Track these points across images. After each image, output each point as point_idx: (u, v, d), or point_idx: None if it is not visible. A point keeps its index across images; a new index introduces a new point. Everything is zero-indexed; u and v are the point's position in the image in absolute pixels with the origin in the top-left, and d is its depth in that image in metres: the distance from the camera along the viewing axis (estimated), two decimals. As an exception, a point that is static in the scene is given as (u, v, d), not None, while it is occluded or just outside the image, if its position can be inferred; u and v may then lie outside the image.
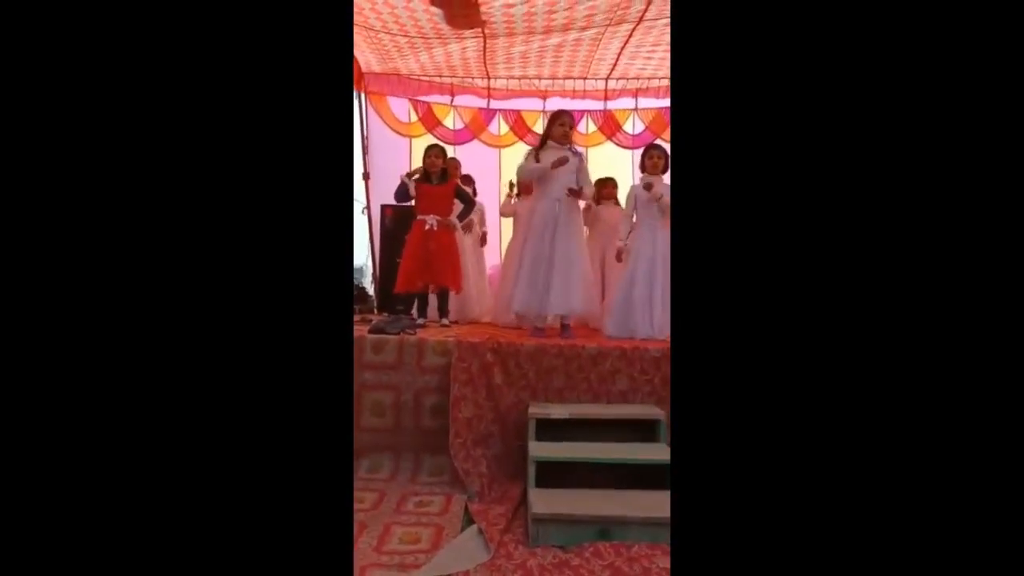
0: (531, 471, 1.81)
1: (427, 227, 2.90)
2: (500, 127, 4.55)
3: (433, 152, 2.98)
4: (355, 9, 3.10)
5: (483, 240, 3.82)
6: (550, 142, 2.71)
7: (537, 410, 2.03)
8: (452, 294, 3.11)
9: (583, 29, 3.43)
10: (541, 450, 1.88)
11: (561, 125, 2.70)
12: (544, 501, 1.68)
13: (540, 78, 4.34)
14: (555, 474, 1.81)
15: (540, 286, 2.61)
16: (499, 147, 4.53)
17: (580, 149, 2.98)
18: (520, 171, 2.77)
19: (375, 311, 3.97)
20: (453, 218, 3.04)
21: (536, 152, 2.72)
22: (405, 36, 3.51)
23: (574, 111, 4.37)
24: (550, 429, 1.98)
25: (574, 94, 4.42)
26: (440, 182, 2.97)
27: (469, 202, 3.08)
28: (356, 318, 3.23)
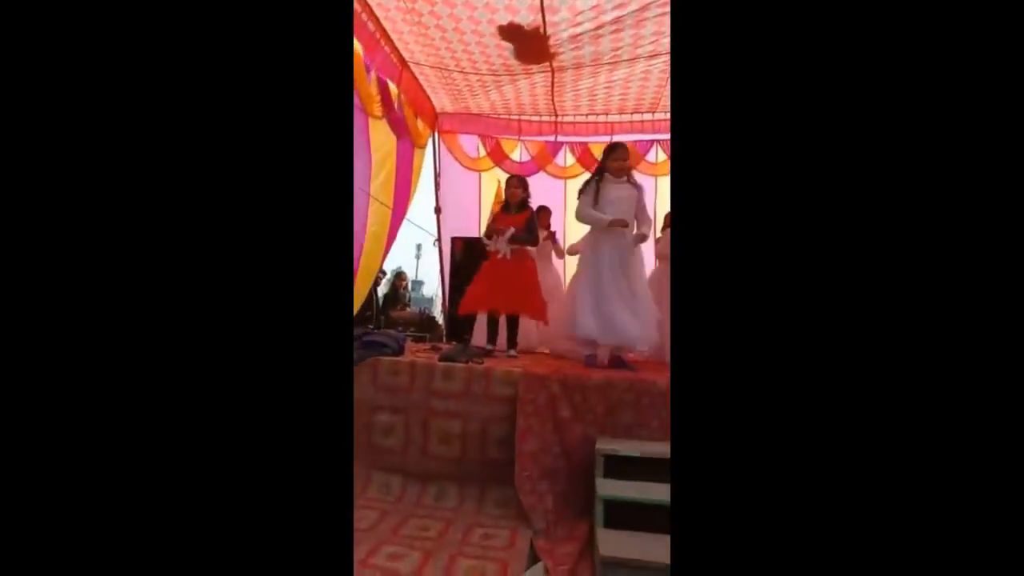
0: (599, 510, 1.74)
1: (500, 255, 2.96)
2: (566, 159, 4.59)
3: (513, 182, 3.11)
4: (431, 49, 3.28)
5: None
6: (607, 175, 2.70)
7: (605, 446, 1.97)
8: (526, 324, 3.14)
9: (651, 57, 3.42)
10: (609, 488, 1.80)
11: (616, 159, 2.69)
12: (613, 543, 1.61)
13: (608, 113, 4.36)
14: (625, 515, 1.72)
15: (606, 316, 2.59)
16: (565, 178, 4.55)
17: (641, 181, 2.92)
18: (579, 214, 2.79)
19: (444, 339, 4.07)
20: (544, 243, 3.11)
21: (596, 185, 2.71)
22: (476, 74, 3.65)
23: (643, 140, 4.37)
24: (620, 467, 1.90)
25: (643, 126, 4.39)
26: (518, 212, 3.04)
27: (532, 237, 3.08)
28: (426, 346, 3.34)
